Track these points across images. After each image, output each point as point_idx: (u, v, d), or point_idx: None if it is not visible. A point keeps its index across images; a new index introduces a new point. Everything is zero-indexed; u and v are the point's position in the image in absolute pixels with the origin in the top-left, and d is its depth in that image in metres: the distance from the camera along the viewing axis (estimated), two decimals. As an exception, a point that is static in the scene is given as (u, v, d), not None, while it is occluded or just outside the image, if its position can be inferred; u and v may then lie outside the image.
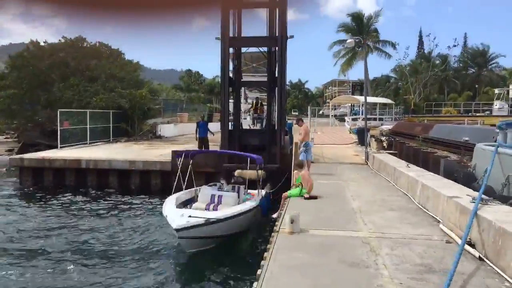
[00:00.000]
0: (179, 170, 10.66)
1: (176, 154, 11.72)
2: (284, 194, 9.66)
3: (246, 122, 22.47)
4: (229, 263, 8.42)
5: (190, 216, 7.95)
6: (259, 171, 11.25)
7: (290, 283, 4.48)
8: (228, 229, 8.75)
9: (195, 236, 7.88)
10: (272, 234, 6.53)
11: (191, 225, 7.68)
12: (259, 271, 4.93)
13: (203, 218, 7.92)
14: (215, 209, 9.54)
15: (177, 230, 7.53)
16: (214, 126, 17.51)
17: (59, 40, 29.45)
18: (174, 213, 8.45)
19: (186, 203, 10.37)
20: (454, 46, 54.89)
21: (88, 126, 22.49)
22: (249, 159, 11.14)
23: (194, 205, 10.17)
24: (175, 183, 10.58)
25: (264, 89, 25.01)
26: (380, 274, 4.71)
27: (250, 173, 12.98)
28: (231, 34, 15.97)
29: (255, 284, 4.55)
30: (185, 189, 10.91)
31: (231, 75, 16.61)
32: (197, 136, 17.18)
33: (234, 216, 8.82)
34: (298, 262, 5.14)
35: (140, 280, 7.70)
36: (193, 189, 11.30)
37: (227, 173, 14.10)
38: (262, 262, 5.27)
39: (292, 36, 16.45)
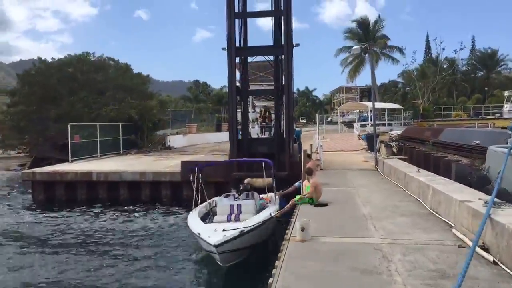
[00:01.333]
0: (194, 184, 10.41)
1: (187, 168, 11.49)
2: (293, 200, 9.63)
3: (254, 131, 22.51)
4: (239, 272, 8.40)
5: (224, 230, 7.75)
6: (269, 179, 11.29)
7: (302, 291, 4.45)
8: (259, 237, 8.67)
9: (233, 249, 7.65)
10: (283, 242, 6.51)
11: (228, 239, 7.44)
12: (270, 280, 4.91)
13: (238, 230, 7.73)
14: (236, 219, 9.39)
15: (216, 246, 7.23)
16: (223, 136, 17.55)
17: (66, 55, 29.99)
18: (207, 229, 8.21)
19: (205, 218, 10.14)
20: (461, 49, 54.59)
21: (98, 139, 22.68)
22: (263, 164, 11.11)
23: (215, 218, 9.99)
24: (194, 197, 10.36)
25: (271, 97, 25.06)
26: (393, 281, 4.66)
27: (260, 182, 12.94)
28: (237, 44, 16.10)
29: (267, 293, 4.52)
30: (200, 202, 10.69)
31: (238, 84, 16.70)
32: None
33: (264, 223, 8.74)
34: (310, 270, 5.11)
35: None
36: (207, 202, 11.09)
37: (237, 181, 14.11)
38: (274, 271, 5.24)
39: (298, 44, 16.53)
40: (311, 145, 17.22)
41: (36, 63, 28.69)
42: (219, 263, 7.67)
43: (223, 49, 15.80)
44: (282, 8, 15.82)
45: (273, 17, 17.03)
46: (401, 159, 15.00)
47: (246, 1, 17.04)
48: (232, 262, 7.87)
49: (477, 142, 15.05)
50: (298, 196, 9.67)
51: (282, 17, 15.88)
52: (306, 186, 9.82)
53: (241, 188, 12.07)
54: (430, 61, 60.16)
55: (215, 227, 8.27)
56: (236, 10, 16.12)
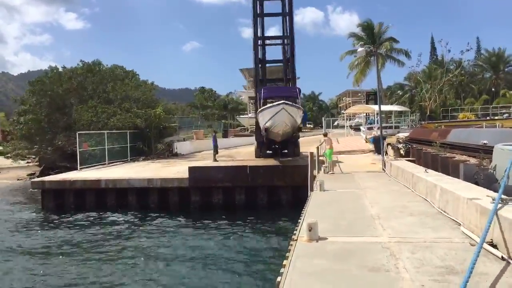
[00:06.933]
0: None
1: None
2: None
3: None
4: (248, 271, 8.47)
5: None
6: None
7: (310, 289, 4.46)
8: None
9: None
10: (291, 242, 6.52)
11: None
12: (278, 278, 4.92)
13: None
14: None
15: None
16: (230, 142, 17.85)
17: (77, 64, 30.29)
18: None
19: None
20: (467, 50, 54.14)
21: (106, 147, 22.85)
22: None
23: None
24: None
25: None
26: (401, 277, 4.66)
27: None
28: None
29: (275, 291, 4.54)
30: None
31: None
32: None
33: None
34: (318, 268, 5.12)
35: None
36: None
37: None
38: (281, 270, 5.26)
39: (298, 77, 17.68)
40: (317, 147, 17.18)
41: (47, 73, 29.09)
42: None
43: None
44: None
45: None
46: (408, 160, 14.96)
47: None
48: None
49: (485, 141, 14.93)
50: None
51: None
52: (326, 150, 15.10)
53: None
54: (437, 63, 59.83)
55: None
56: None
